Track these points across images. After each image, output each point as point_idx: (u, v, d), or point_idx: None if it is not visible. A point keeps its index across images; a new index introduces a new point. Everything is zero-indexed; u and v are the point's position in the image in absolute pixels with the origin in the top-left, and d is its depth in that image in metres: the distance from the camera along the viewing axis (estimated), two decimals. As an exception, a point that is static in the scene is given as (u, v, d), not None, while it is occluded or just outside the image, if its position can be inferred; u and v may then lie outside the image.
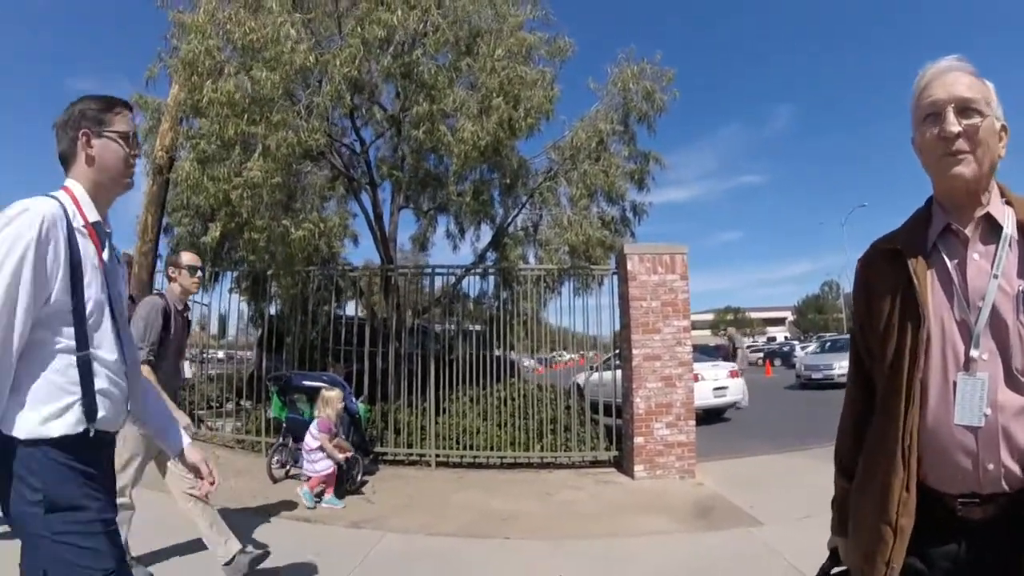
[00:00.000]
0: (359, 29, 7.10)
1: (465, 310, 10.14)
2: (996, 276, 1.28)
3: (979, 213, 1.34)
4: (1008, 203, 1.36)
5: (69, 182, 1.83)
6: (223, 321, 9.96)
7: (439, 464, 7.93)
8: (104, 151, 1.84)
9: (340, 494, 6.17)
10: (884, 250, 1.47)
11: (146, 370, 3.27)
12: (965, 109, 1.30)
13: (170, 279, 4.22)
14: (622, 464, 7.76)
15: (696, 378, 9.46)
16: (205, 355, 11.55)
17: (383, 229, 9.66)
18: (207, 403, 10.16)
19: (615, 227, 10.29)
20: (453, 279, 9.54)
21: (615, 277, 8.30)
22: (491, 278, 10.13)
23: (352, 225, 11.60)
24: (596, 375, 9.34)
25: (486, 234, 10.81)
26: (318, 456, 6.19)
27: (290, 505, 5.94)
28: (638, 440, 7.39)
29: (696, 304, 8.93)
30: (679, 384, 7.59)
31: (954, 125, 1.29)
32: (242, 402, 10.12)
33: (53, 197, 1.73)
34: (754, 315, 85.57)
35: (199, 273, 4.27)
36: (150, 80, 8.90)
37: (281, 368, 8.87)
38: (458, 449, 8.04)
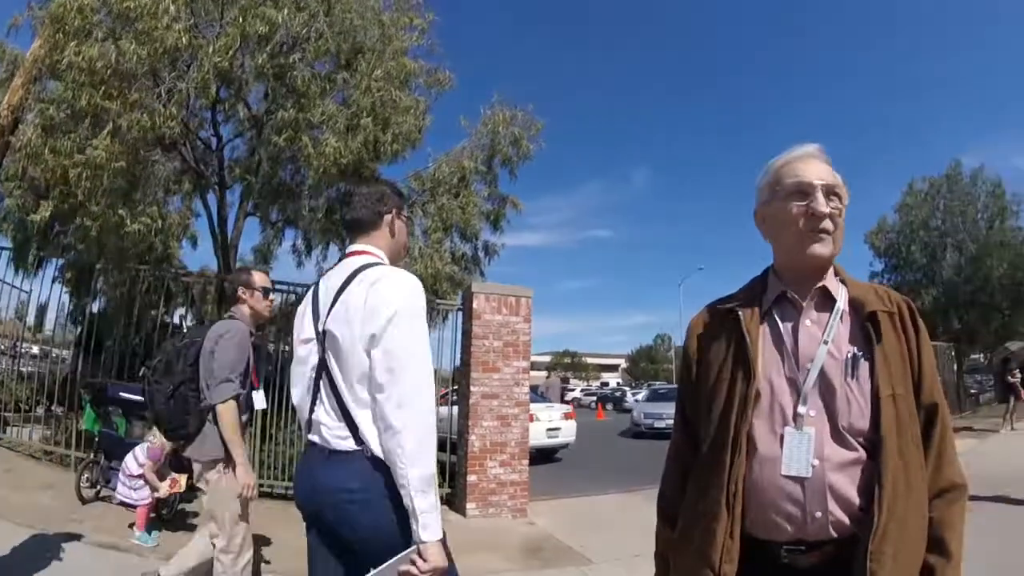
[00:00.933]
0: (240, 20, 6.68)
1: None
2: (826, 342, 1.38)
3: (816, 285, 1.45)
4: (842, 282, 1.49)
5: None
6: (42, 313, 8.74)
7: (263, 495, 7.35)
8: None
9: (153, 527, 5.47)
10: (720, 310, 1.54)
11: (233, 405, 3.32)
12: (831, 193, 1.42)
13: (238, 300, 3.70)
14: (454, 502, 7.67)
15: (531, 418, 9.66)
16: (18, 349, 9.87)
17: (226, 235, 8.95)
18: (16, 405, 8.67)
19: (466, 264, 10.37)
20: (294, 298, 8.99)
21: (460, 314, 8.30)
22: None
23: (193, 226, 10.68)
24: (441, 410, 9.17)
25: (334, 254, 10.40)
26: (140, 483, 5.44)
27: (101, 530, 5.30)
28: (471, 478, 7.36)
29: (536, 346, 9.14)
30: (515, 424, 7.69)
31: (824, 206, 1.39)
32: (54, 407, 8.78)
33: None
34: (590, 360, 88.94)
35: (272, 295, 3.91)
36: (13, 28, 7.94)
37: (98, 375, 7.83)
38: (284, 480, 7.51)
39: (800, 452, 1.31)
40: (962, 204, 23.76)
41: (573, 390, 37.26)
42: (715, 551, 1.33)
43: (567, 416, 13.68)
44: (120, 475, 5.59)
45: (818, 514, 1.30)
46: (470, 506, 7.26)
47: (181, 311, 9.96)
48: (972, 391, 20.65)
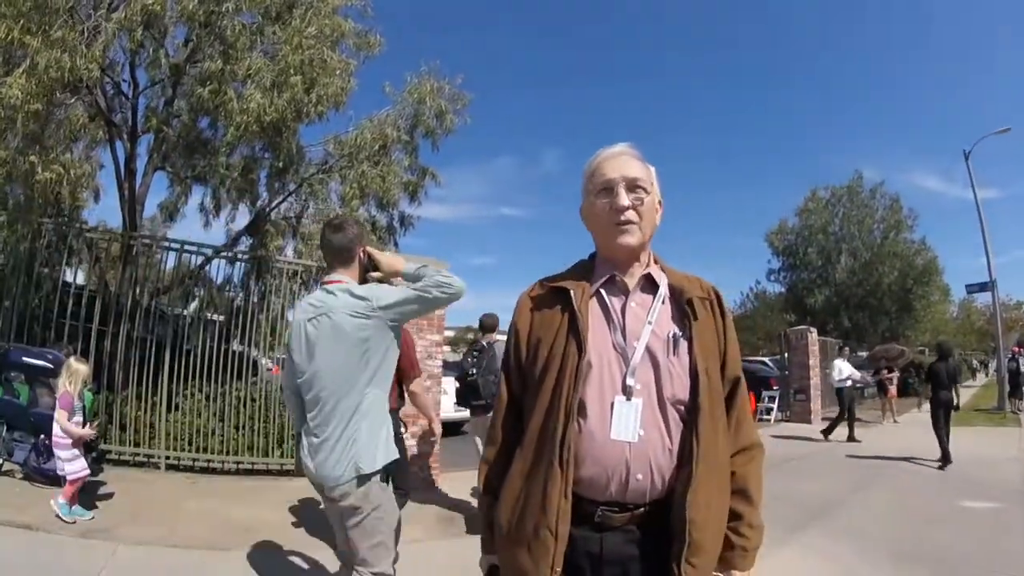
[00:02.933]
0: None
1: (208, 296, 9.20)
2: (650, 323, 1.54)
3: (640, 272, 1.62)
4: (662, 270, 1.66)
5: None
6: None
7: (169, 467, 7.06)
8: None
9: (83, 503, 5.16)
10: (550, 287, 1.66)
11: None
12: (633, 187, 1.57)
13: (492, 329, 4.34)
14: (366, 473, 7.57)
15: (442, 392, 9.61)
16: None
17: (133, 188, 8.44)
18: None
19: (380, 234, 10.19)
20: (201, 260, 8.57)
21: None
22: (241, 265, 9.14)
23: (98, 178, 10.00)
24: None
25: (243, 216, 10.02)
26: (71, 453, 5.08)
27: (4, 507, 4.95)
28: (382, 450, 7.27)
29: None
30: (428, 396, 7.65)
31: (625, 199, 1.55)
32: None
33: None
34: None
35: None
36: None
37: None
38: (191, 451, 7.22)
39: (628, 420, 1.45)
40: (860, 214, 25.33)
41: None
42: (552, 512, 1.43)
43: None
44: (52, 447, 5.21)
45: (639, 476, 1.44)
46: (381, 478, 7.17)
47: (80, 272, 9.28)
48: (858, 385, 22.05)
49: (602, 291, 1.60)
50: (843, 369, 12.89)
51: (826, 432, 12.60)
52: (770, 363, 20.94)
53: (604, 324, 1.55)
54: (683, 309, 1.57)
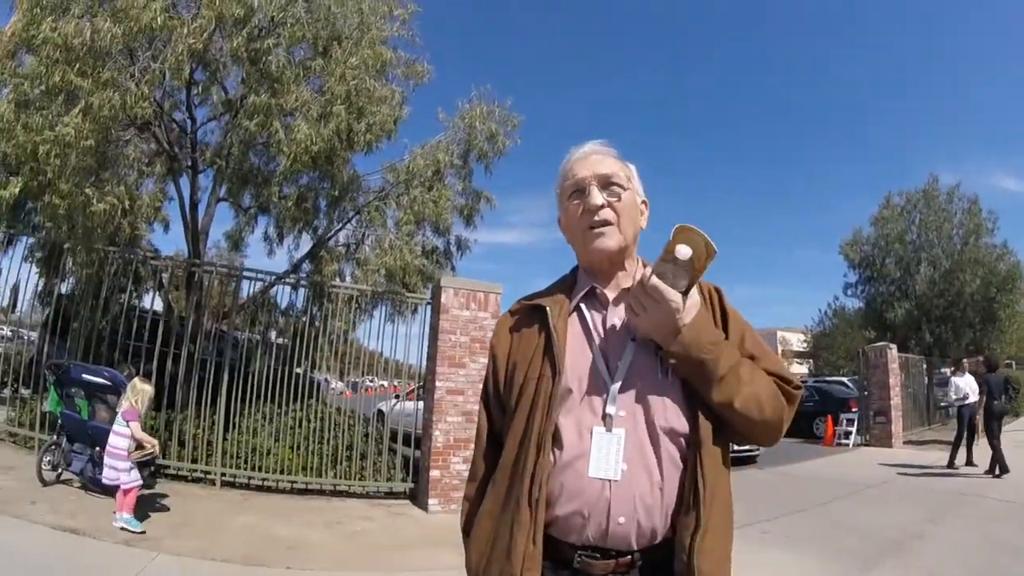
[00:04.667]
0: (217, 2, 6.56)
1: (271, 320, 9.50)
2: (634, 340, 1.35)
3: (624, 284, 1.44)
4: None
5: None
6: (15, 293, 8.55)
7: (224, 484, 7.29)
8: None
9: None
10: (527, 305, 1.50)
11: None
12: (607, 184, 1.41)
13: None
14: (417, 497, 7.62)
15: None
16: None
17: (196, 219, 8.83)
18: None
19: (436, 258, 10.29)
20: (262, 285, 8.89)
21: (428, 307, 8.25)
22: (302, 290, 9.37)
23: (165, 209, 10.38)
24: (401, 404, 9.15)
25: (306, 244, 10.28)
26: (125, 464, 5.42)
27: (57, 513, 5.27)
28: (434, 473, 7.31)
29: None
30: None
31: (597, 198, 1.39)
32: (20, 389, 8.67)
33: None
34: None
35: None
36: (-4, 4, 7.68)
37: (63, 356, 7.71)
38: (246, 469, 7.45)
39: (609, 454, 1.27)
40: (938, 220, 23.98)
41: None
42: (516, 557, 1.27)
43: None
44: (107, 458, 5.56)
45: (621, 519, 1.25)
46: (432, 502, 7.21)
47: (148, 296, 9.81)
48: (942, 404, 20.85)
49: (582, 306, 1.44)
50: (960, 386, 11.58)
51: (950, 462, 11.32)
52: (849, 383, 19.99)
53: (584, 343, 1.39)
54: None
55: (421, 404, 8.77)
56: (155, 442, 5.84)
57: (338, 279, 9.39)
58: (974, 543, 6.22)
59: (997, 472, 9.82)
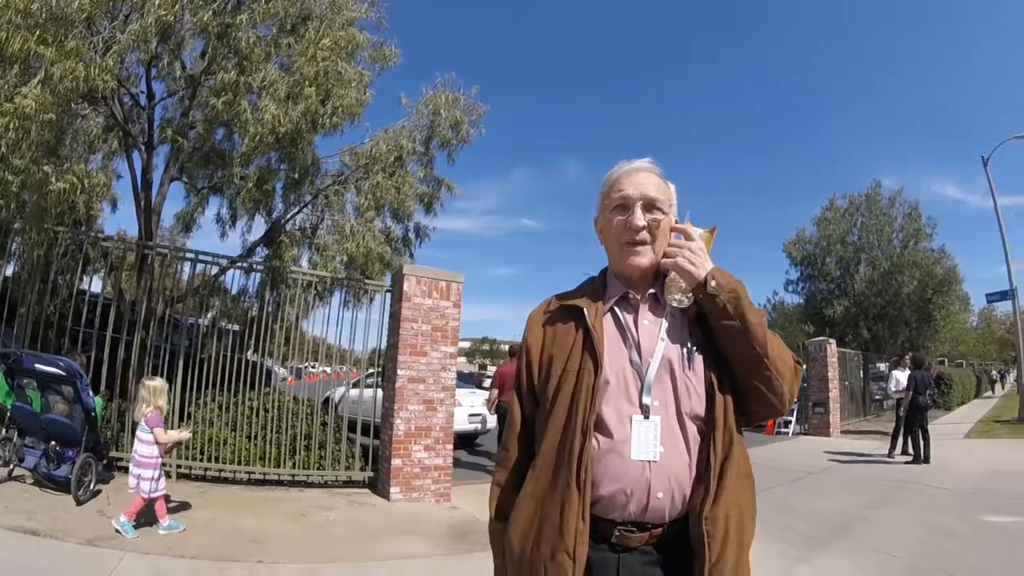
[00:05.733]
0: None
1: (223, 306, 9.22)
2: (663, 339, 1.51)
3: (650, 290, 1.58)
4: None
5: None
6: None
7: (180, 476, 7.05)
8: None
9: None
10: (563, 304, 1.63)
11: None
12: (651, 207, 1.54)
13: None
14: (377, 485, 7.55)
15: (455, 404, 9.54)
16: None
17: (149, 199, 8.45)
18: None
19: (395, 245, 10.18)
20: (216, 270, 8.58)
21: (388, 295, 8.15)
22: (257, 275, 9.06)
23: (113, 187, 9.73)
24: (353, 392, 9.03)
25: (259, 227, 10.00)
26: (151, 473, 5.20)
27: (12, 513, 5.00)
28: (396, 462, 7.25)
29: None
30: (440, 408, 7.63)
31: (641, 220, 1.53)
32: None
33: None
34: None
35: None
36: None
37: (9, 344, 7.27)
38: (202, 461, 7.22)
39: (648, 438, 1.42)
40: (879, 223, 24.99)
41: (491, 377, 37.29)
42: (569, 534, 1.38)
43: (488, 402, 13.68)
44: (132, 467, 5.33)
45: (660, 495, 1.40)
46: (394, 490, 7.16)
47: (96, 280, 9.33)
48: (876, 397, 21.82)
49: (616, 308, 1.58)
50: (900, 380, 12.29)
51: (889, 451, 12.01)
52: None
53: (620, 342, 1.53)
54: (692, 322, 1.54)
55: (369, 392, 8.68)
56: (187, 435, 5.86)
57: (294, 265, 9.18)
58: (913, 526, 6.55)
59: (924, 460, 10.72)
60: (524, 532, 1.49)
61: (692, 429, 1.44)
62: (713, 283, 1.44)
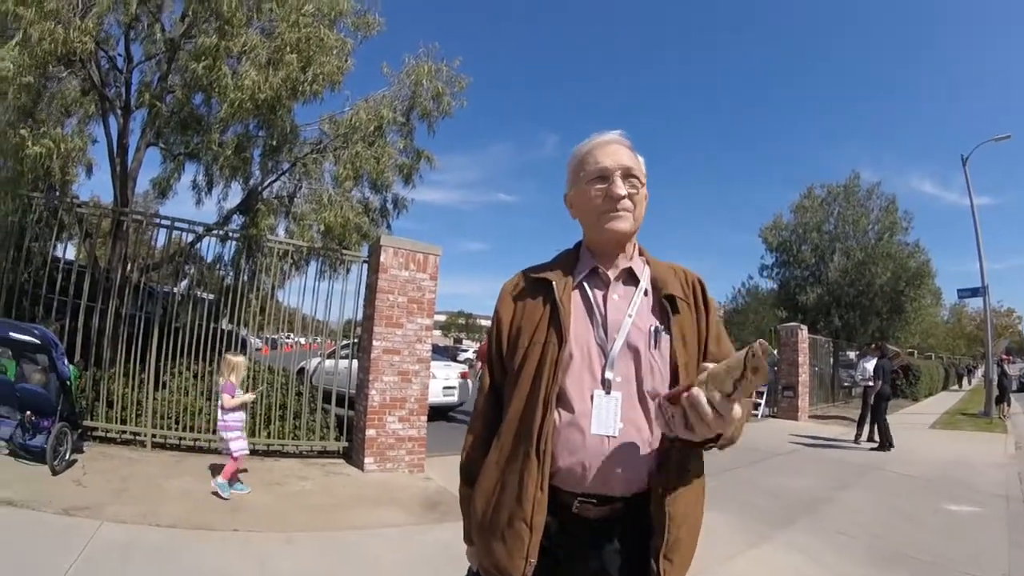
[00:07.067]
0: None
1: (199, 274, 9.12)
2: (630, 316, 1.53)
3: (623, 265, 1.61)
4: (647, 262, 1.66)
5: None
6: None
7: (155, 445, 7.01)
8: None
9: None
10: (533, 277, 1.64)
11: None
12: (628, 176, 1.56)
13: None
14: (351, 456, 7.58)
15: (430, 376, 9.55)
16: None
17: (125, 164, 8.26)
18: None
19: (373, 216, 10.11)
20: (192, 237, 8.47)
21: (365, 266, 8.12)
22: (233, 243, 8.86)
23: (89, 152, 9.50)
24: (327, 363, 9.00)
25: (236, 194, 9.88)
26: (236, 434, 5.72)
27: None
28: (370, 432, 7.28)
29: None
30: (415, 380, 7.66)
31: (622, 189, 1.54)
32: None
33: None
34: (484, 322, 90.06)
35: None
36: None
37: None
38: (177, 430, 7.18)
39: (608, 414, 1.44)
40: (856, 214, 25.25)
41: (466, 351, 37.52)
42: (527, 502, 1.42)
43: (463, 376, 13.78)
44: (221, 430, 5.80)
45: (619, 470, 1.43)
46: (368, 460, 7.20)
47: (70, 247, 9.16)
48: (845, 384, 22.24)
49: (584, 284, 1.60)
50: (868, 368, 12.28)
51: (856, 437, 12.17)
52: (761, 359, 21.04)
53: (586, 317, 1.55)
54: (663, 303, 1.56)
55: (344, 363, 8.66)
56: (250, 397, 6.13)
57: (271, 233, 9.07)
58: (876, 508, 6.75)
59: (888, 447, 11.05)
60: (487, 499, 1.53)
61: (653, 407, 1.45)
62: (711, 445, 1.44)
